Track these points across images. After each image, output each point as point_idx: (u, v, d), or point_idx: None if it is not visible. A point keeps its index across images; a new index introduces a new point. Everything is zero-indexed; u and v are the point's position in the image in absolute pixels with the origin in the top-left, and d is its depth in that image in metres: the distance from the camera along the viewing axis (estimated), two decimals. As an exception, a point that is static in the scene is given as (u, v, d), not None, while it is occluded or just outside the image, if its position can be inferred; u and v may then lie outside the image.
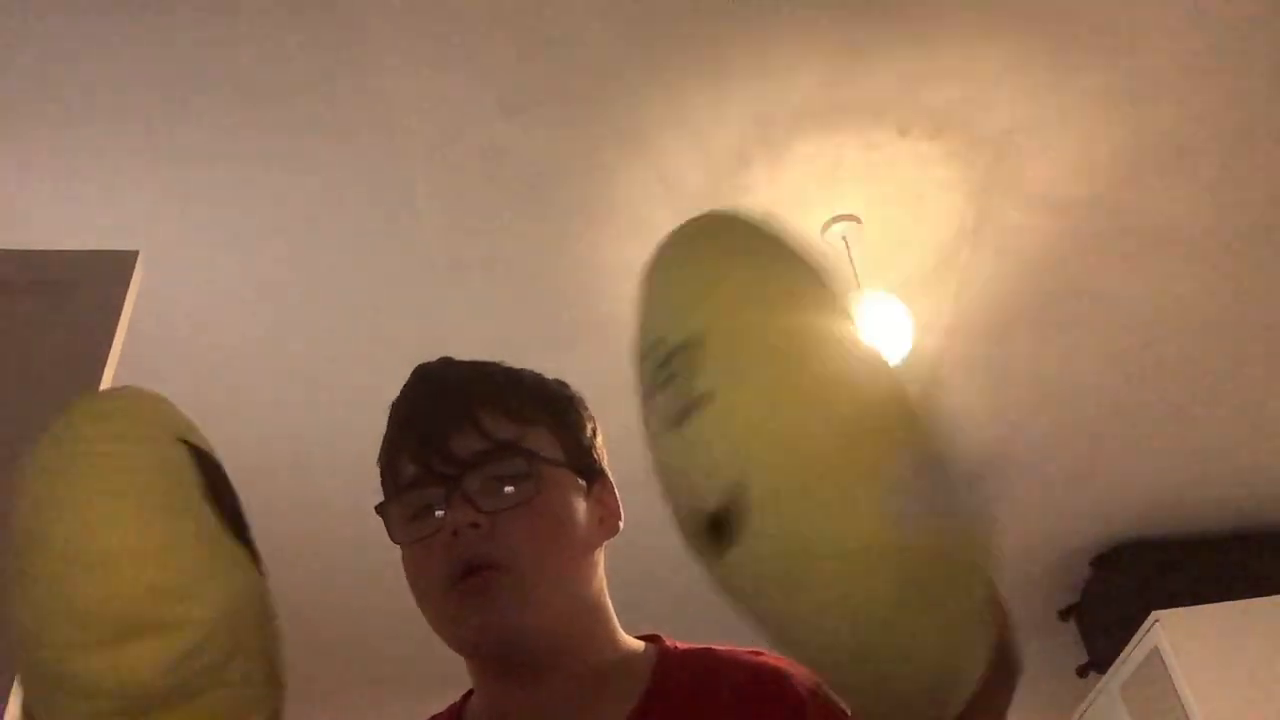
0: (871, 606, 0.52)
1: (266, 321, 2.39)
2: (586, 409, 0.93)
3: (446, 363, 0.91)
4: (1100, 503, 3.14)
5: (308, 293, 2.34)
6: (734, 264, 0.61)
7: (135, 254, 1.51)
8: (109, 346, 1.37)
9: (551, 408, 0.89)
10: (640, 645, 0.88)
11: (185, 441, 0.67)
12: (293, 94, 1.95)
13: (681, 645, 0.88)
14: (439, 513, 0.80)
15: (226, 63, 1.90)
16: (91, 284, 1.44)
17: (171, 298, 2.25)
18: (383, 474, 0.88)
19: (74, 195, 2.07)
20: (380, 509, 0.84)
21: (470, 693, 0.90)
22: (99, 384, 1.33)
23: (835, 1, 1.90)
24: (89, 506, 0.60)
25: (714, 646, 0.87)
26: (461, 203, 2.19)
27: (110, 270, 1.47)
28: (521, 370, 0.91)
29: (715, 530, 0.55)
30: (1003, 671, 0.58)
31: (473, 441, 0.82)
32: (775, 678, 0.79)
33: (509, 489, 0.81)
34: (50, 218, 2.10)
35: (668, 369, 0.58)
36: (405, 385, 0.90)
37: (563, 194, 2.19)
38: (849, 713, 0.70)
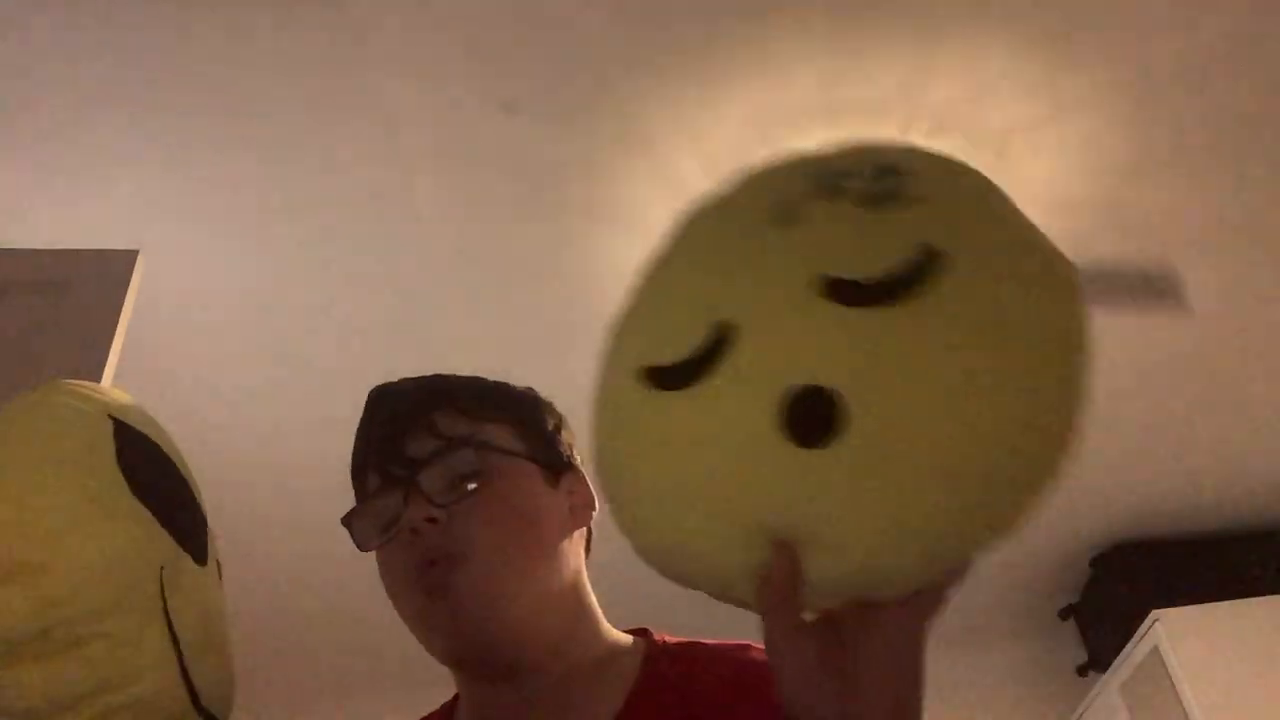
0: None
1: (267, 322, 2.39)
2: (550, 406, 0.94)
3: (403, 379, 0.92)
4: (1100, 503, 3.13)
5: (308, 293, 2.34)
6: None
7: (135, 254, 1.51)
8: (109, 346, 1.38)
9: (509, 405, 0.89)
10: (628, 640, 0.88)
11: (114, 418, 0.69)
12: (293, 94, 1.95)
13: (670, 639, 0.88)
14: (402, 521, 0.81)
15: (227, 62, 1.90)
16: (91, 284, 1.45)
17: (171, 298, 2.25)
18: (354, 490, 0.89)
19: (74, 195, 2.07)
20: (345, 520, 0.86)
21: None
22: (99, 384, 1.33)
23: (835, 1, 1.90)
24: None
25: (702, 640, 0.86)
26: (461, 202, 2.19)
27: (110, 270, 1.47)
28: (482, 377, 0.92)
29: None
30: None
31: (426, 441, 0.83)
32: (761, 671, 0.78)
33: (470, 485, 0.81)
34: (50, 218, 2.10)
35: (881, 181, 0.58)
36: (365, 405, 0.91)
37: (563, 194, 2.19)
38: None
